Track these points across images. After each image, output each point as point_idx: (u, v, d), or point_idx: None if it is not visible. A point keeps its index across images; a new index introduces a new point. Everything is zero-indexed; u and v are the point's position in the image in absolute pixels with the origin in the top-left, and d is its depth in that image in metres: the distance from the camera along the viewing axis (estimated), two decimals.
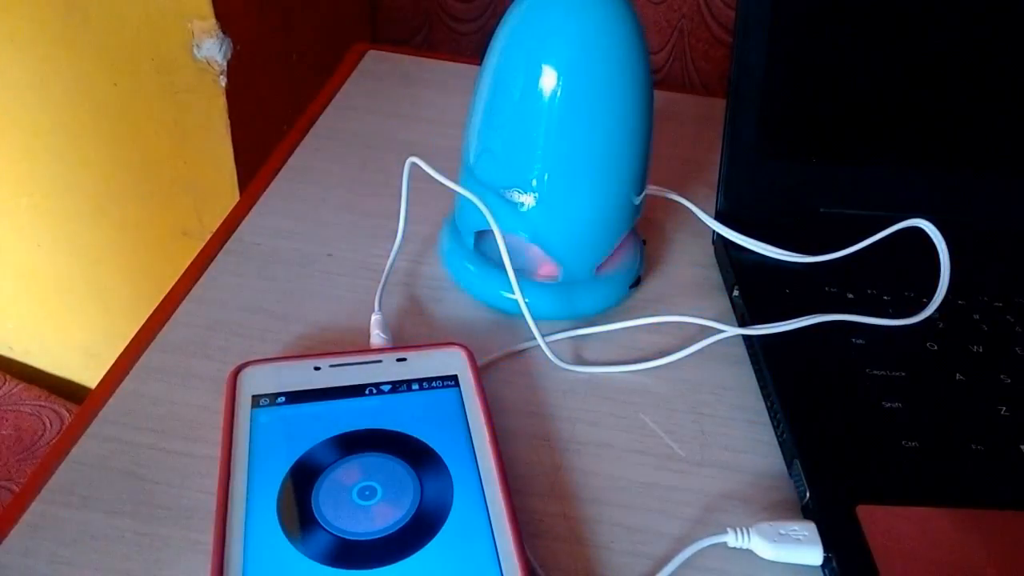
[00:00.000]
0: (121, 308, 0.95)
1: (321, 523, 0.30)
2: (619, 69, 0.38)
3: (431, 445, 0.34)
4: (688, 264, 0.47)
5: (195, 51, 0.70)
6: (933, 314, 0.41)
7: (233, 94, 0.72)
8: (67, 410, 0.94)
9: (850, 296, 0.43)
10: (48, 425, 0.92)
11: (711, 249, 0.48)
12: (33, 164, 0.85)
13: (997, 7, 0.44)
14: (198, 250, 0.45)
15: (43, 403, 0.95)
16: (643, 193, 0.43)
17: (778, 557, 0.32)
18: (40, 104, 0.79)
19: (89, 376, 1.04)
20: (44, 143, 0.82)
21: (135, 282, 0.91)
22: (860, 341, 0.40)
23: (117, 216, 0.86)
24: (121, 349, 0.39)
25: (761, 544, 0.32)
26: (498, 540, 0.30)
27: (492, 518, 0.31)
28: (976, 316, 0.42)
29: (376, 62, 0.63)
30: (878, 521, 0.32)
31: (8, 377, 0.98)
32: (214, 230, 0.46)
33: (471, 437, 0.34)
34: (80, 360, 1.03)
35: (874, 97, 0.46)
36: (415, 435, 0.34)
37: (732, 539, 0.32)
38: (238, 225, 0.46)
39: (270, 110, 0.78)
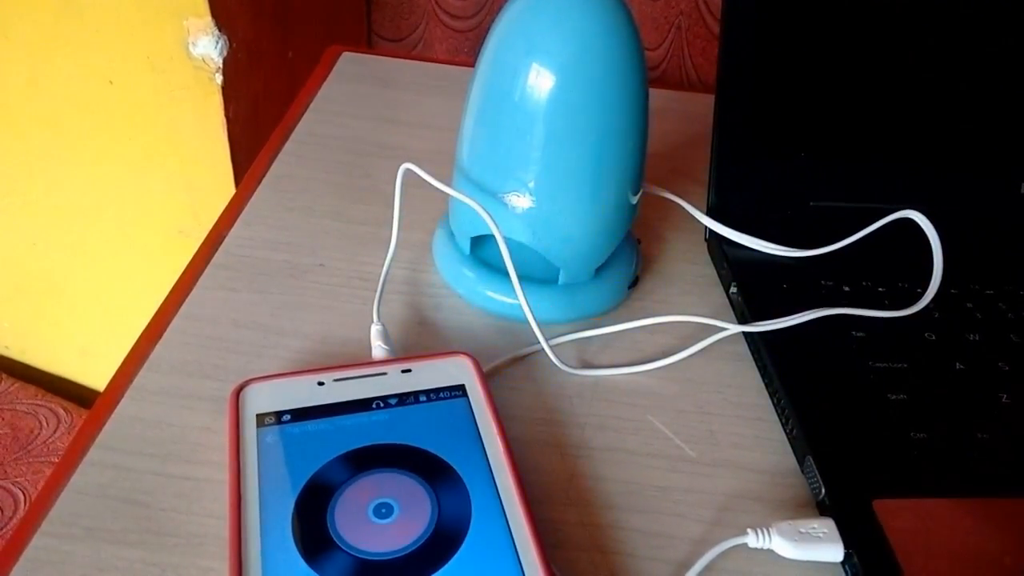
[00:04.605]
0: (117, 307, 0.94)
1: (340, 544, 0.30)
2: (614, 68, 0.38)
3: (444, 458, 0.33)
4: (682, 262, 0.47)
5: (191, 49, 0.69)
6: (929, 304, 0.41)
7: (229, 92, 0.71)
8: (63, 408, 0.94)
9: (846, 289, 0.43)
10: (44, 424, 0.91)
11: (704, 246, 0.47)
12: (28, 162, 0.84)
13: (986, 1, 0.45)
14: (195, 249, 0.44)
15: (39, 402, 0.94)
16: (640, 192, 0.42)
17: (799, 555, 0.32)
18: (35, 102, 0.78)
19: (85, 375, 1.03)
20: (39, 141, 0.81)
21: (131, 280, 0.91)
22: (860, 334, 0.40)
23: (113, 214, 0.85)
24: (117, 348, 0.38)
25: (782, 543, 0.32)
26: (520, 552, 0.30)
27: (513, 530, 0.30)
28: (970, 305, 0.43)
29: (351, 64, 0.62)
30: (895, 515, 0.32)
31: (4, 376, 0.98)
32: (210, 229, 0.45)
33: (484, 448, 0.33)
34: (76, 359, 1.02)
35: (862, 90, 0.46)
36: (427, 448, 0.33)
37: (753, 540, 0.32)
38: (224, 237, 0.45)
39: (266, 108, 0.78)
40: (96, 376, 1.02)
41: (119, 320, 0.94)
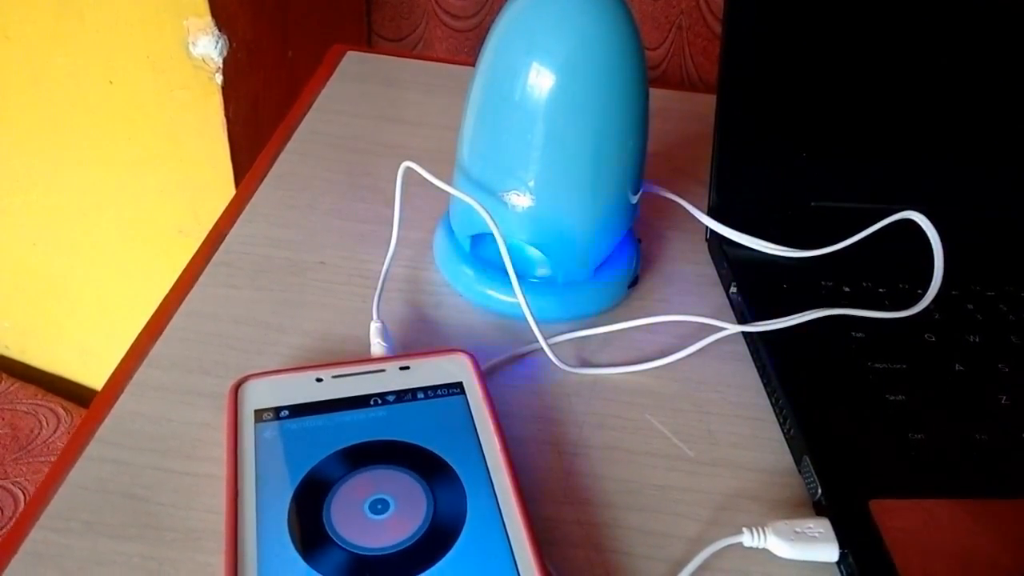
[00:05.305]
0: (118, 306, 0.94)
1: (335, 540, 0.30)
2: (614, 68, 0.38)
3: (441, 455, 0.33)
4: (683, 261, 0.47)
5: (191, 48, 0.69)
6: (929, 305, 0.41)
7: (229, 92, 0.72)
8: (63, 408, 0.94)
9: (846, 289, 0.43)
10: (44, 423, 0.91)
11: (704, 246, 0.47)
12: (28, 162, 0.84)
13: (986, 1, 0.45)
14: (195, 249, 0.44)
15: (39, 401, 0.94)
16: (640, 192, 0.42)
17: (794, 555, 0.32)
18: (35, 102, 0.78)
19: (85, 374, 1.04)
20: (39, 141, 0.82)
21: (132, 280, 0.91)
22: (860, 335, 0.40)
23: (113, 214, 0.85)
24: (117, 347, 0.38)
25: (777, 543, 0.32)
26: (515, 550, 0.30)
27: (508, 527, 0.31)
28: (970, 306, 0.43)
29: (354, 63, 0.62)
30: (891, 515, 0.32)
31: (4, 376, 0.98)
32: (211, 228, 0.45)
33: (481, 445, 0.33)
34: (76, 358, 1.03)
35: (863, 90, 0.46)
36: (424, 445, 0.33)
37: (748, 539, 0.32)
38: (226, 235, 0.45)
39: (266, 108, 0.78)
40: (96, 376, 1.03)
41: (119, 320, 0.95)
